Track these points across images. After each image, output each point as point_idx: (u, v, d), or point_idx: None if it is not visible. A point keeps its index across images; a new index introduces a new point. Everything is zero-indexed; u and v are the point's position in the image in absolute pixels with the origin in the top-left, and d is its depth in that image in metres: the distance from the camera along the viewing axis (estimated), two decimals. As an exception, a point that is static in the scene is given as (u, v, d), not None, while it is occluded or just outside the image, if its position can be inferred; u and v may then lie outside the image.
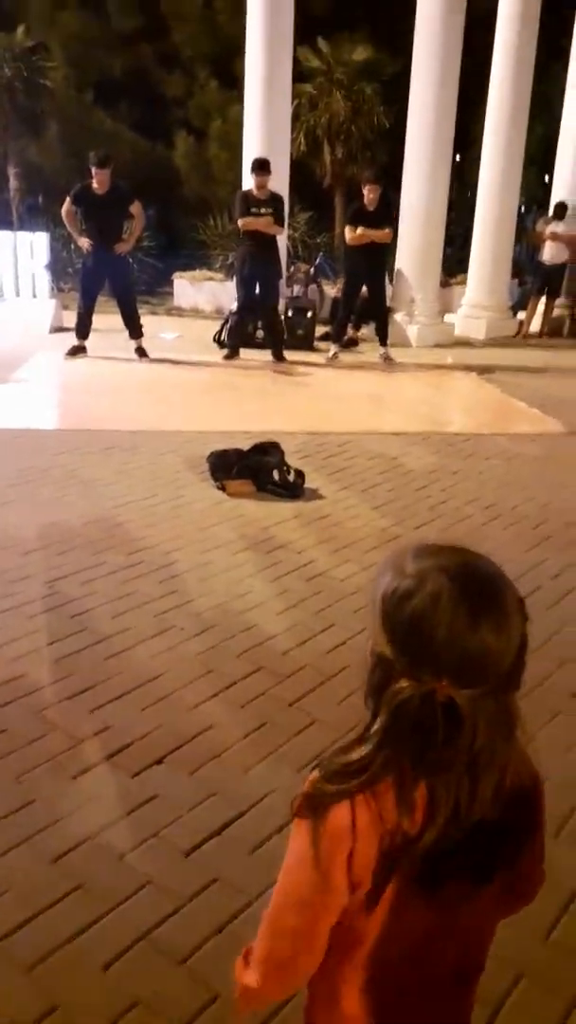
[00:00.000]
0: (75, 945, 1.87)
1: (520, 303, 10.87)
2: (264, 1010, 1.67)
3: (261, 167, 7.77)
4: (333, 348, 8.42)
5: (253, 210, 7.82)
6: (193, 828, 2.22)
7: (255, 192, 7.86)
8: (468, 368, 8.35)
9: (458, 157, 12.12)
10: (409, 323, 9.38)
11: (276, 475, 4.79)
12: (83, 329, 7.88)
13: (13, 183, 14.28)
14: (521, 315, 10.53)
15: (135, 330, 7.94)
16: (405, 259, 9.35)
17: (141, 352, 7.94)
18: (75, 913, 1.95)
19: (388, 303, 9.02)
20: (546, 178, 12.49)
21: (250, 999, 1.05)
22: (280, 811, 2.26)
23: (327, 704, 2.77)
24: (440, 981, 1.06)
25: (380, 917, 0.99)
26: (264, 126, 8.83)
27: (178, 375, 7.63)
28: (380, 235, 7.97)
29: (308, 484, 4.83)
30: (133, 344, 7.94)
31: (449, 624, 0.89)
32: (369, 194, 7.94)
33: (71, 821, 2.24)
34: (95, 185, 7.45)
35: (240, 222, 7.89)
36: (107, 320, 8.24)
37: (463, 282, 10.75)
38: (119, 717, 2.68)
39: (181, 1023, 1.71)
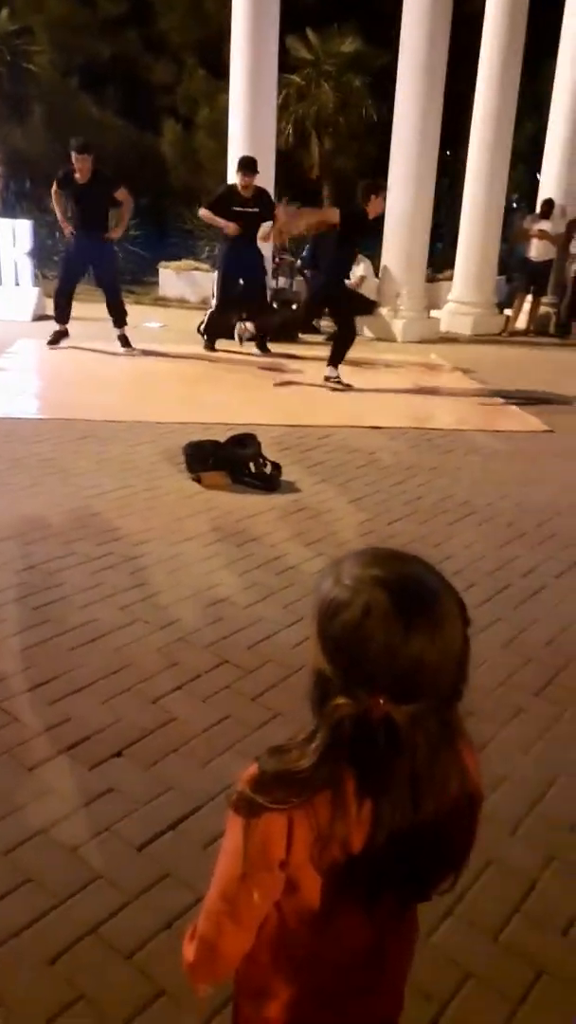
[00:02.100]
0: (21, 939, 1.85)
1: (507, 300, 10.87)
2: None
3: (247, 167, 7.68)
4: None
5: (237, 208, 7.75)
6: (147, 822, 2.20)
7: (240, 191, 7.78)
8: (452, 365, 8.34)
9: (448, 152, 12.09)
10: (394, 318, 9.36)
11: (252, 467, 4.76)
12: (62, 314, 7.78)
13: (-2, 168, 14.12)
14: (508, 312, 10.53)
15: (119, 318, 7.86)
16: (391, 254, 9.33)
17: (124, 341, 7.87)
18: (23, 907, 1.92)
19: (367, 300, 9.05)
20: (537, 175, 12.49)
21: (188, 973, 1.05)
22: (237, 806, 2.25)
23: (290, 699, 2.75)
24: (357, 995, 1.05)
25: (318, 928, 0.98)
26: (249, 115, 8.75)
27: (160, 365, 7.58)
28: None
29: (285, 477, 4.81)
30: (116, 332, 7.87)
31: (383, 640, 0.86)
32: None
33: (26, 813, 2.21)
34: (76, 174, 7.37)
35: (203, 212, 7.80)
36: (91, 309, 8.18)
37: (451, 278, 10.74)
38: (79, 709, 2.65)
39: (125, 1018, 1.69)
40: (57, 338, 7.77)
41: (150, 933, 1.87)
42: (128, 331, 7.94)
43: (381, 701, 0.87)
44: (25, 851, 2.08)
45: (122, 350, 7.81)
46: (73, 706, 2.67)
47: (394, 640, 0.86)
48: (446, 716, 0.91)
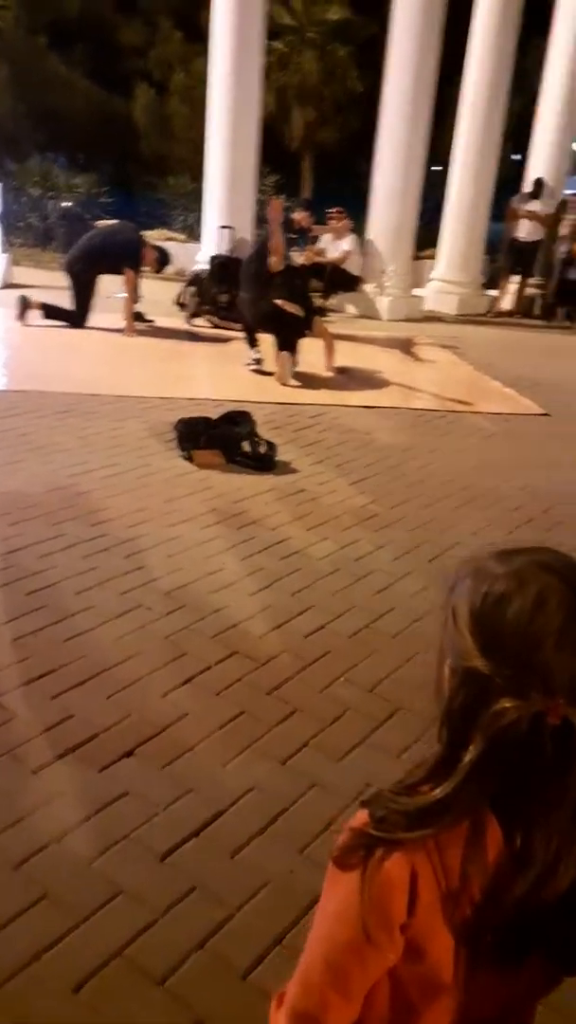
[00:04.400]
0: (41, 963, 1.68)
1: (490, 280, 10.74)
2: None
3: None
4: None
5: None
6: (168, 829, 2.03)
7: None
8: (441, 344, 8.20)
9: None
10: (380, 295, 9.18)
11: (247, 446, 4.57)
12: (56, 311, 7.32)
13: (-37, 129, 13.51)
14: (493, 292, 10.40)
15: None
16: (377, 230, 9.12)
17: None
18: (41, 928, 1.75)
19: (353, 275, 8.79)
20: (516, 156, 12.32)
21: None
22: (262, 809, 2.10)
23: (308, 692, 2.60)
24: None
25: (445, 1000, 0.83)
26: (232, 82, 8.41)
27: (137, 338, 7.29)
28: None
29: (280, 457, 4.63)
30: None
31: (560, 630, 0.73)
32: None
33: (33, 821, 2.03)
34: None
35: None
36: (60, 278, 7.82)
37: (431, 256, 10.57)
38: (83, 705, 2.47)
39: (160, 1054, 1.53)
40: (25, 306, 7.28)
41: (182, 954, 1.71)
42: (106, 298, 7.58)
43: (561, 702, 0.72)
44: (37, 864, 1.90)
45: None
46: (76, 701, 2.48)
47: (574, 630, 0.73)
48: None
